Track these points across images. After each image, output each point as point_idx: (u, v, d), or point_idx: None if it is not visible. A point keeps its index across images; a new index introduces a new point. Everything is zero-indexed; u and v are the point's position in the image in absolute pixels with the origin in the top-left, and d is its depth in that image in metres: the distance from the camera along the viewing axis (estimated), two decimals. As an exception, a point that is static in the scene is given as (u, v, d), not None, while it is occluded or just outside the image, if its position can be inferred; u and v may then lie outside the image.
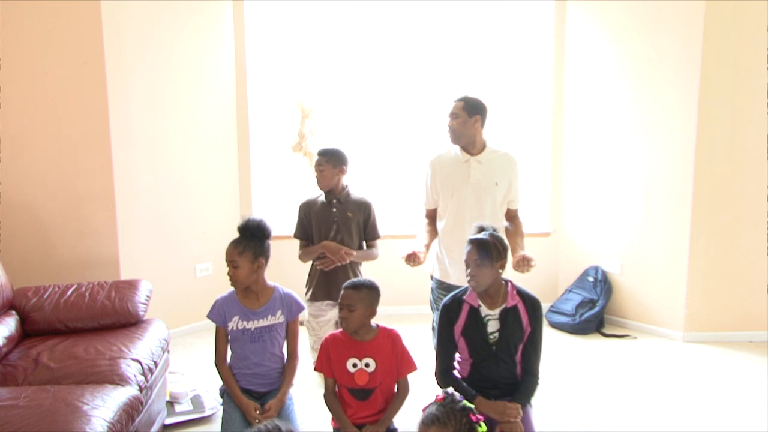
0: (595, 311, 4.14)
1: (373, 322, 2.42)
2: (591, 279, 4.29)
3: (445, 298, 2.47)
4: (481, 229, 2.41)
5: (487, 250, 2.28)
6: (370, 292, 2.33)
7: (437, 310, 3.34)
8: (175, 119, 3.90)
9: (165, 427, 2.82)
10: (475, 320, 2.34)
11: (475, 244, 2.30)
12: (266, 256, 2.40)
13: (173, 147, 3.91)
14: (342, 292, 2.33)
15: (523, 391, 2.31)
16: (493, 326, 2.33)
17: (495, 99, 4.59)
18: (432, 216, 3.16)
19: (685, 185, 3.80)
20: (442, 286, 3.26)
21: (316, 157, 3.23)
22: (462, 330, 2.37)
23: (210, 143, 4.14)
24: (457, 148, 3.12)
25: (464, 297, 2.39)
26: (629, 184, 4.10)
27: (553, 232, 4.56)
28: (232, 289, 2.44)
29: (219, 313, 2.42)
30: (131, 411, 2.19)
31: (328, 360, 2.38)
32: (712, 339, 3.90)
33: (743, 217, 3.80)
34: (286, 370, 2.48)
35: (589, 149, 4.34)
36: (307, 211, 3.27)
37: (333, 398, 2.40)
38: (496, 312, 2.33)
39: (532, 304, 2.37)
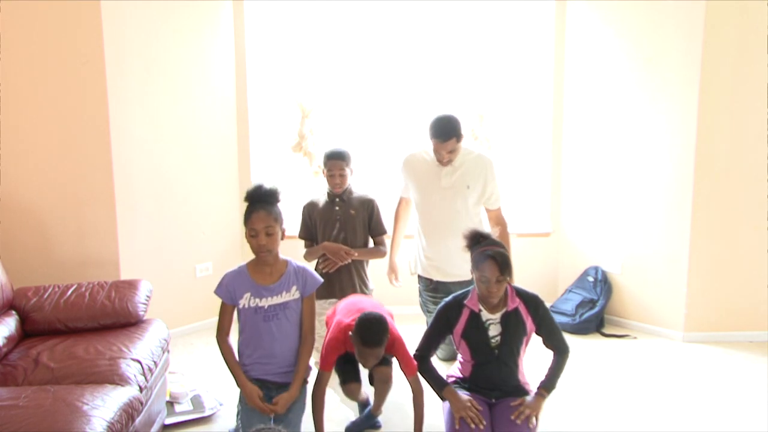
0: (595, 311, 4.14)
1: None
2: (591, 279, 4.29)
3: (447, 297, 2.47)
4: (477, 235, 2.35)
5: (507, 265, 2.24)
6: (383, 345, 2.38)
7: (428, 312, 3.37)
8: (175, 119, 3.90)
9: (165, 427, 2.82)
10: (476, 324, 2.33)
11: (497, 261, 2.22)
12: None
13: (173, 147, 3.90)
14: (368, 349, 2.33)
15: (551, 375, 2.39)
16: (494, 330, 2.33)
17: (495, 99, 4.60)
18: (406, 202, 3.40)
19: (685, 185, 3.80)
20: (428, 288, 3.30)
21: (329, 162, 3.17)
22: (462, 332, 2.37)
23: (210, 143, 4.14)
24: (430, 151, 3.16)
25: (465, 301, 2.37)
26: (629, 184, 4.10)
27: (553, 232, 4.56)
28: (242, 263, 2.33)
29: (227, 290, 2.29)
30: (131, 411, 2.19)
31: (342, 350, 2.46)
32: (712, 339, 3.90)
33: (743, 217, 3.80)
34: (299, 356, 2.32)
35: (589, 149, 4.34)
36: (311, 211, 3.28)
37: (321, 397, 2.42)
38: (497, 316, 2.33)
39: (533, 303, 2.36)
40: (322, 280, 2.39)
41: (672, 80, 3.82)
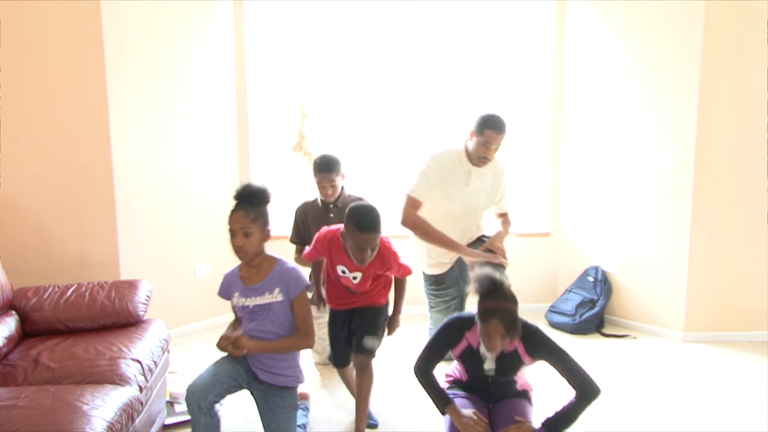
0: (595, 311, 4.13)
1: None
2: (591, 279, 4.29)
3: (453, 316, 2.38)
4: (490, 283, 2.15)
5: (514, 327, 2.11)
6: (379, 230, 2.44)
7: (432, 308, 3.38)
8: (174, 119, 3.90)
9: (165, 427, 2.82)
10: (472, 354, 2.30)
11: (503, 321, 2.08)
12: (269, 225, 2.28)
13: (173, 147, 3.91)
14: (364, 235, 2.36)
15: (561, 416, 2.20)
16: (490, 364, 2.29)
17: (495, 99, 4.60)
18: (421, 207, 3.17)
19: (685, 185, 3.80)
20: (431, 282, 3.34)
21: (317, 174, 3.13)
22: (459, 355, 2.34)
23: (210, 143, 4.14)
24: (461, 154, 3.13)
25: (466, 332, 2.28)
26: (629, 184, 4.10)
27: (553, 232, 4.56)
28: (239, 262, 2.32)
29: (225, 289, 2.34)
30: (131, 411, 2.19)
31: (326, 251, 2.57)
32: (712, 339, 3.90)
33: (743, 217, 3.80)
34: (285, 337, 2.28)
35: (588, 149, 4.34)
36: (304, 215, 3.26)
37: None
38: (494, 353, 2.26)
39: (532, 342, 2.23)
40: (307, 282, 2.35)
41: (672, 80, 3.82)
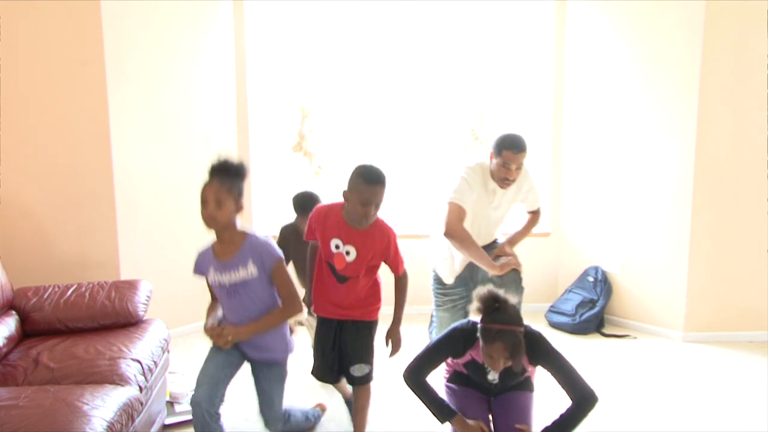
0: (595, 311, 4.13)
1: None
2: (591, 279, 4.29)
3: (455, 326, 2.31)
4: (493, 301, 2.09)
5: (518, 351, 2.04)
6: (385, 184, 2.29)
7: (438, 307, 3.37)
8: (175, 119, 3.90)
9: (165, 427, 2.82)
10: (476, 367, 2.30)
11: (507, 346, 2.02)
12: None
13: (173, 147, 3.91)
14: (371, 187, 2.23)
15: (560, 425, 2.16)
16: (493, 375, 2.29)
17: (495, 99, 4.60)
18: (464, 218, 2.96)
19: (686, 185, 3.80)
20: (438, 281, 3.32)
21: (298, 213, 3.10)
22: (463, 364, 2.34)
23: (210, 143, 4.14)
24: (486, 171, 3.09)
25: (470, 350, 2.24)
26: (629, 184, 4.10)
27: (553, 232, 4.56)
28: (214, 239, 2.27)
29: (199, 266, 2.30)
30: (131, 411, 2.19)
31: (321, 227, 2.39)
32: (712, 339, 3.90)
33: (743, 217, 3.80)
34: (268, 312, 2.23)
35: (588, 149, 4.34)
36: (287, 238, 3.19)
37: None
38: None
39: (535, 351, 2.17)
40: (280, 254, 2.25)
41: (672, 80, 3.82)
